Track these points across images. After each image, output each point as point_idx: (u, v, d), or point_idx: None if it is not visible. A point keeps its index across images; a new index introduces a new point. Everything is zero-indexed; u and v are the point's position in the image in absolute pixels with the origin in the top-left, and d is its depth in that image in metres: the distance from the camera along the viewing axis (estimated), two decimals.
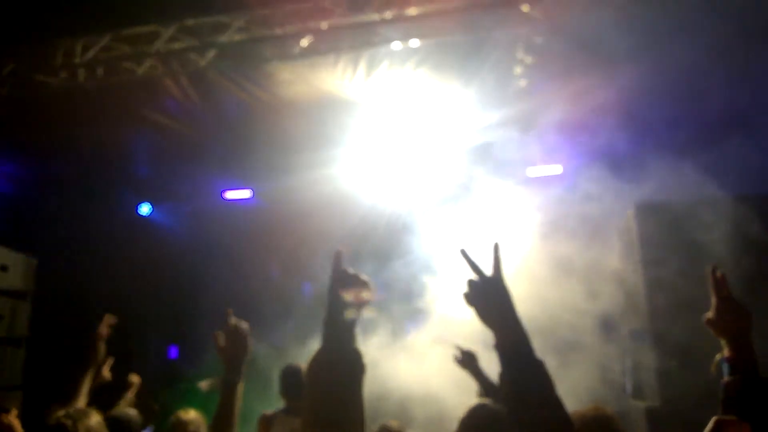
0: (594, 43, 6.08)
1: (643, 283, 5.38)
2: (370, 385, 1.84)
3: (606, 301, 5.50)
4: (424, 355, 5.70)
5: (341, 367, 1.79)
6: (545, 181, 7.59)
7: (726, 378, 2.20)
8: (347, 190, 7.93)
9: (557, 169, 7.56)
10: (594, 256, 5.66)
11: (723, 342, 2.26)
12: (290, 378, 5.29)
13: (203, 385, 6.65)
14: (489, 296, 1.84)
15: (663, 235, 5.40)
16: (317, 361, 1.81)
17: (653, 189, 5.76)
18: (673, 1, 5.60)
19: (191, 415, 4.04)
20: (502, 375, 1.78)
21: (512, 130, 7.25)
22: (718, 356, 2.25)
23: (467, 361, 4.54)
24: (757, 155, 5.80)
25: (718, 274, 2.33)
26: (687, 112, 6.16)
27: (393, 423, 4.51)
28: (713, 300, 2.31)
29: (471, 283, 1.86)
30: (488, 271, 1.89)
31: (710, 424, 2.28)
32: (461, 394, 4.62)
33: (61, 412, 2.68)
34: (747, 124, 6.01)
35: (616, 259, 5.62)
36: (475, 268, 1.88)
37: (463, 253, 1.91)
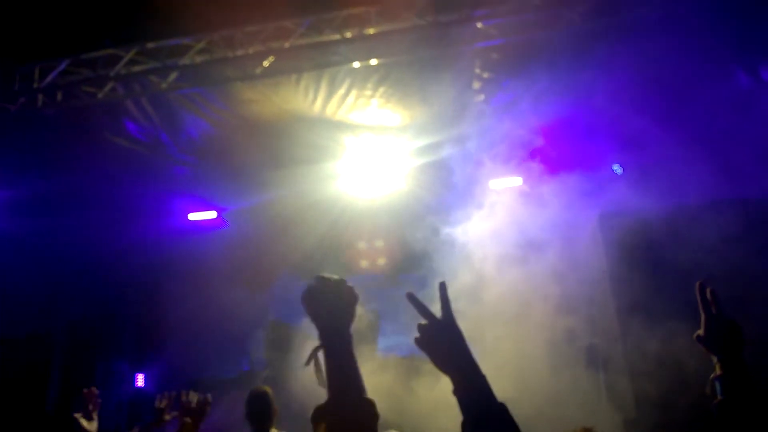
0: (550, 57, 6.28)
1: (610, 291, 5.52)
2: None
3: (577, 312, 5.61)
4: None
5: (354, 419, 1.69)
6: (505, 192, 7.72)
7: (719, 397, 2.11)
8: (312, 208, 7.93)
9: (517, 181, 7.69)
10: (562, 265, 5.77)
11: (714, 360, 2.18)
12: (256, 402, 5.18)
13: None
14: (441, 340, 1.73)
15: (627, 242, 5.55)
16: (326, 414, 1.73)
17: (615, 198, 5.92)
18: (626, 19, 5.80)
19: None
20: (464, 422, 1.64)
21: (473, 143, 7.36)
22: (711, 376, 2.16)
23: None
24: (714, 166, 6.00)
25: (708, 291, 2.24)
26: (643, 125, 6.35)
27: None
28: (702, 317, 2.24)
29: (421, 327, 1.75)
30: (437, 313, 1.76)
31: None
32: None
33: None
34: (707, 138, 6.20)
35: (582, 268, 5.74)
36: (423, 311, 1.77)
37: (410, 296, 1.80)
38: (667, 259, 5.26)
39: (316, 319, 1.82)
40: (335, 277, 1.87)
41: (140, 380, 8.46)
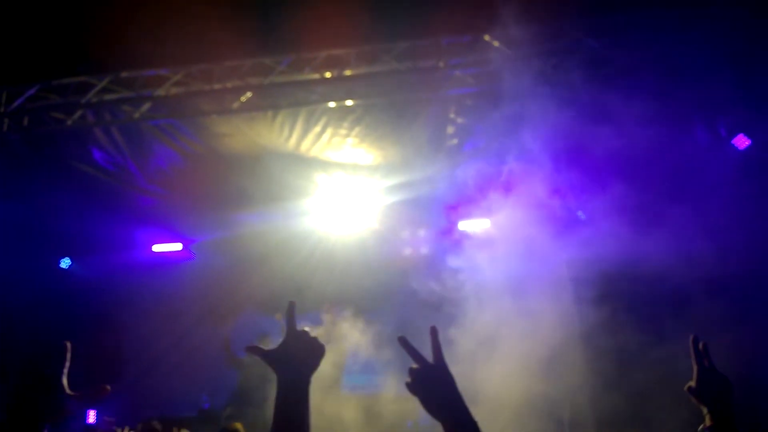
0: (521, 106, 6.47)
1: (579, 333, 5.62)
2: None
3: (545, 361, 5.67)
4: None
5: None
6: (472, 234, 7.84)
7: None
8: (282, 245, 7.88)
9: (485, 223, 7.81)
10: (529, 311, 5.85)
11: (704, 411, 2.24)
12: None
13: None
14: (432, 384, 1.73)
15: (594, 288, 5.68)
16: None
17: (582, 245, 6.06)
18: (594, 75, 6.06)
19: None
20: None
21: (444, 185, 7.47)
22: (700, 427, 2.23)
23: None
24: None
25: (700, 344, 2.32)
26: (607, 175, 6.58)
27: None
28: (694, 369, 2.30)
29: (412, 371, 1.74)
30: (429, 358, 1.76)
31: None
32: None
33: None
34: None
35: (550, 315, 5.83)
36: (415, 355, 1.76)
37: (402, 340, 1.79)
38: (636, 307, 5.43)
39: (281, 371, 1.77)
40: (307, 329, 1.84)
41: (91, 417, 8.12)
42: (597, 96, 6.19)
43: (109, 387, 1.91)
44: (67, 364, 1.87)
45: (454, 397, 1.72)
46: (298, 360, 1.78)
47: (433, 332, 1.79)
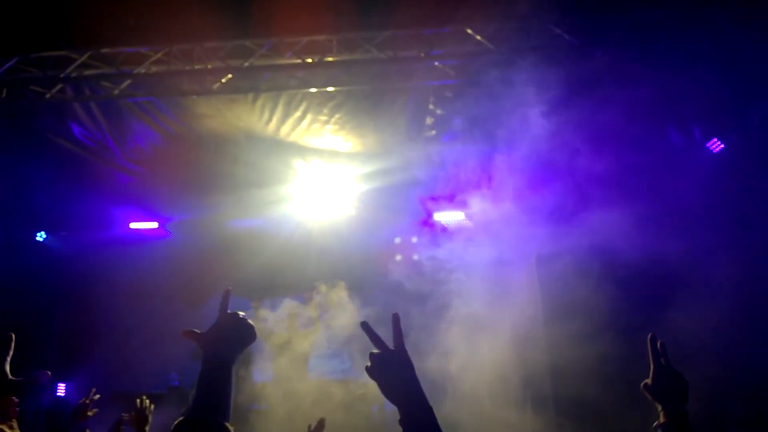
0: (499, 101, 6.53)
1: (543, 330, 5.72)
2: None
3: (509, 351, 5.77)
4: None
5: None
6: (449, 223, 7.94)
7: None
8: (259, 228, 7.92)
9: (459, 215, 7.91)
10: (499, 303, 5.95)
11: (659, 408, 2.29)
12: None
13: None
14: (391, 370, 1.77)
15: (561, 282, 5.79)
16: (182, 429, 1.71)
17: (552, 239, 6.16)
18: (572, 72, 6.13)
19: None
20: None
21: (421, 175, 7.53)
22: (654, 424, 2.27)
23: None
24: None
25: (658, 342, 2.36)
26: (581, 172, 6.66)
27: None
28: (651, 366, 2.35)
29: (373, 356, 1.78)
30: (390, 343, 1.81)
31: None
32: None
33: None
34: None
35: (519, 307, 5.94)
36: (376, 340, 1.81)
37: (364, 325, 1.84)
38: (601, 303, 5.54)
39: (207, 350, 1.84)
40: (241, 313, 1.93)
41: (61, 390, 8.16)
42: (575, 94, 6.26)
43: (49, 373, 2.19)
44: (11, 352, 2.14)
45: (411, 382, 1.76)
46: (225, 341, 1.87)
47: (395, 319, 1.86)
